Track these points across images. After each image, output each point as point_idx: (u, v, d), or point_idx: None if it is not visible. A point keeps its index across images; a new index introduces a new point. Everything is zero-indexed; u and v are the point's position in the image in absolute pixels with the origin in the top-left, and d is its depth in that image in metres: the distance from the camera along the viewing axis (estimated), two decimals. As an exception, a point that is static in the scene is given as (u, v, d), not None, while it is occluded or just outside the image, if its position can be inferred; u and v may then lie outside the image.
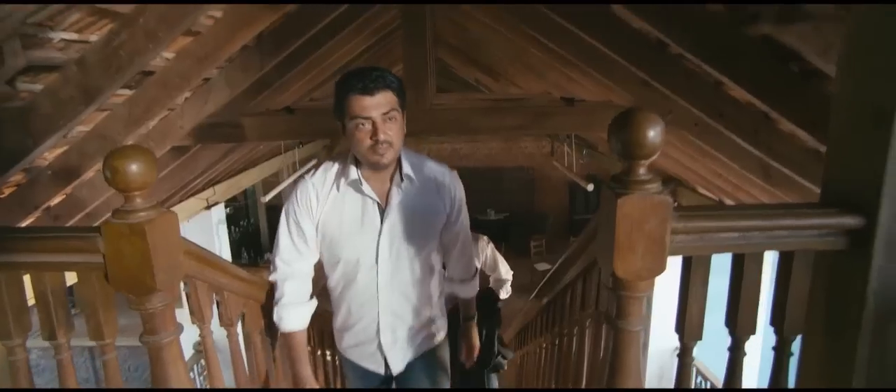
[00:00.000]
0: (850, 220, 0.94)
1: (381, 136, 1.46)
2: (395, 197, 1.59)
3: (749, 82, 1.70)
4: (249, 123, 3.33)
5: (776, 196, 2.93)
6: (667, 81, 2.42)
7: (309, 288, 1.73)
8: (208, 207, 5.88)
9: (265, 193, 5.99)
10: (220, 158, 4.98)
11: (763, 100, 1.72)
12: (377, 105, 1.44)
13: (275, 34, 2.73)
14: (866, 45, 0.94)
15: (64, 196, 3.09)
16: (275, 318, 1.70)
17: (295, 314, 1.70)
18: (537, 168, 11.27)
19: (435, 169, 1.66)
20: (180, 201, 5.29)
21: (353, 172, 1.57)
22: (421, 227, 1.63)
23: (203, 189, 5.73)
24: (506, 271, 3.55)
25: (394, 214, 1.59)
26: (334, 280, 1.70)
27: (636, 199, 0.89)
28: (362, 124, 1.46)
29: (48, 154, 2.65)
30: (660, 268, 0.93)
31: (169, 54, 2.47)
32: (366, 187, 1.57)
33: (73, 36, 1.87)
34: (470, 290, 1.93)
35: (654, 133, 0.87)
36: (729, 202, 4.48)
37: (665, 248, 0.92)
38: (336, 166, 1.62)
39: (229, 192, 6.62)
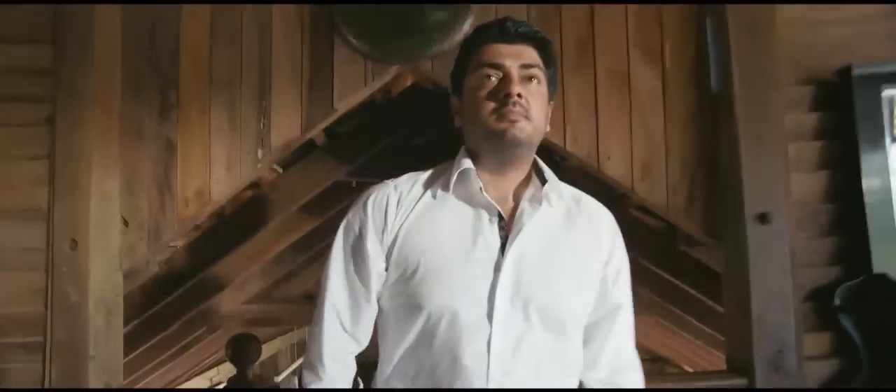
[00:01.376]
0: (738, 381, 1.39)
1: (515, 90, 0.94)
2: (529, 213, 0.98)
3: (687, 280, 2.24)
4: (275, 309, 3.78)
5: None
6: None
7: (350, 370, 1.05)
8: (211, 387, 6.03)
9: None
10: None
11: (699, 292, 2.24)
12: (515, 54, 0.97)
13: (309, 236, 3.31)
14: (732, 267, 1.49)
15: None
16: None
17: None
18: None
19: (589, 200, 1.08)
20: (187, 380, 5.48)
21: (466, 162, 1.00)
22: (570, 273, 0.98)
23: (209, 369, 5.94)
24: None
25: (525, 241, 0.96)
26: (404, 353, 0.97)
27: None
28: (488, 76, 0.97)
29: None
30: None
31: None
32: (481, 189, 0.98)
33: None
34: None
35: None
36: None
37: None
38: (433, 171, 1.06)
39: (232, 371, 6.78)
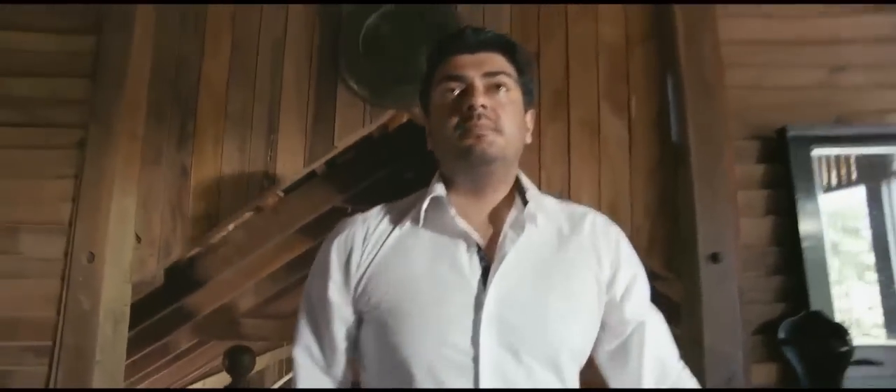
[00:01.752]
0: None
1: (478, 102, 0.85)
2: (512, 239, 0.88)
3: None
4: (267, 325, 3.90)
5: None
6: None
7: None
8: (213, 389, 6.08)
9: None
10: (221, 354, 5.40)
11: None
12: (478, 63, 0.89)
13: (303, 256, 3.45)
14: (687, 301, 1.65)
15: None
16: None
17: None
18: None
19: (580, 211, 0.98)
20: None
21: (438, 188, 0.91)
22: (563, 301, 0.87)
23: (195, 382, 5.99)
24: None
25: (509, 271, 0.86)
26: None
27: None
28: (451, 90, 0.89)
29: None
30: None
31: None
32: (455, 217, 0.89)
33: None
34: None
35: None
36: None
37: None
38: (407, 199, 0.99)
39: (220, 383, 6.82)
